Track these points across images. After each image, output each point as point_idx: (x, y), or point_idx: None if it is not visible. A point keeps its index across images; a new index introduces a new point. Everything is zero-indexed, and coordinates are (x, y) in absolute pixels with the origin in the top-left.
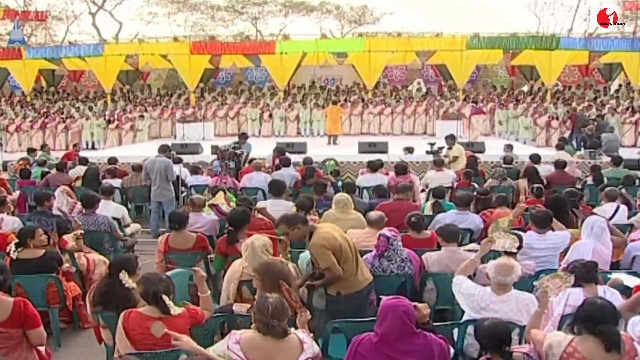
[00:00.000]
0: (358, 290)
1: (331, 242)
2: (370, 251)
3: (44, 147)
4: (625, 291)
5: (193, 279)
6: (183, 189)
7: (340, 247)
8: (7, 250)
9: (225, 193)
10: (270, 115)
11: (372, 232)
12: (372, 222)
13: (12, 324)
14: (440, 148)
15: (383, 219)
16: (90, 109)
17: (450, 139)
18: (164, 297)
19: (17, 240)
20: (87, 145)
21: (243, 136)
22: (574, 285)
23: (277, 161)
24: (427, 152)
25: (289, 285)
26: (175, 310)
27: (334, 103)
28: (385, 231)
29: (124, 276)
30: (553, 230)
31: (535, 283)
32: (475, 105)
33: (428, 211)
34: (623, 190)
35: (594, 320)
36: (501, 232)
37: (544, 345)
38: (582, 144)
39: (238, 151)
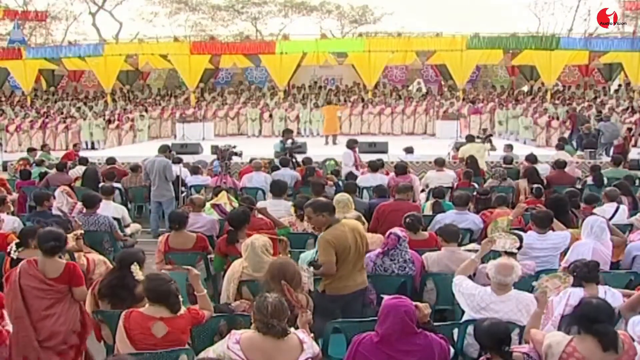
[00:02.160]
0: (342, 294)
1: (339, 242)
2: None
3: (44, 147)
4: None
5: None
6: (183, 189)
7: (345, 250)
8: (8, 250)
9: (227, 192)
10: (270, 115)
11: None
12: None
13: (62, 280)
14: (490, 135)
15: (360, 218)
16: (90, 109)
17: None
18: (178, 295)
19: (18, 240)
20: (87, 145)
21: (288, 132)
22: (575, 285)
23: (356, 155)
24: (478, 137)
25: (293, 287)
26: (182, 309)
27: (329, 103)
28: (397, 231)
29: (135, 268)
30: (553, 230)
31: (534, 283)
32: (472, 106)
33: (428, 211)
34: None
35: (590, 320)
36: (501, 233)
37: (544, 345)
38: (578, 142)
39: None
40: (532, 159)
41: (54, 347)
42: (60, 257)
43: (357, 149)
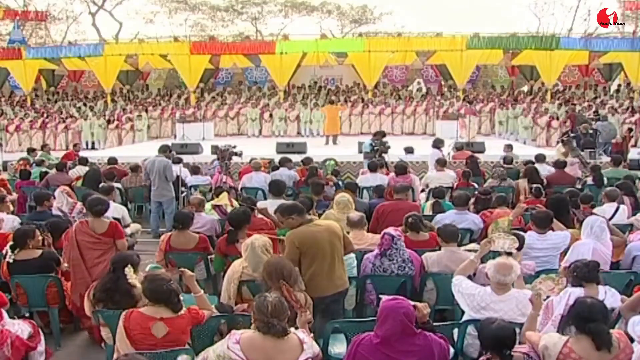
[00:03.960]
0: (320, 296)
1: (304, 241)
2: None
3: (44, 147)
4: (625, 290)
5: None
6: (183, 189)
7: (312, 248)
8: (4, 253)
9: (228, 194)
10: (270, 115)
11: (358, 234)
12: (354, 224)
13: (107, 234)
14: (573, 137)
15: (363, 219)
16: (91, 109)
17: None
18: (179, 295)
19: (12, 243)
20: (87, 145)
21: (380, 133)
22: (575, 285)
23: (443, 154)
24: (561, 141)
25: (290, 284)
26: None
27: (332, 103)
28: (391, 230)
29: (129, 271)
30: (553, 230)
31: (527, 286)
32: (469, 106)
33: (428, 211)
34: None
35: (584, 319)
36: (500, 233)
37: (539, 346)
38: (576, 142)
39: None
40: (540, 158)
41: None
42: (106, 218)
43: (443, 149)
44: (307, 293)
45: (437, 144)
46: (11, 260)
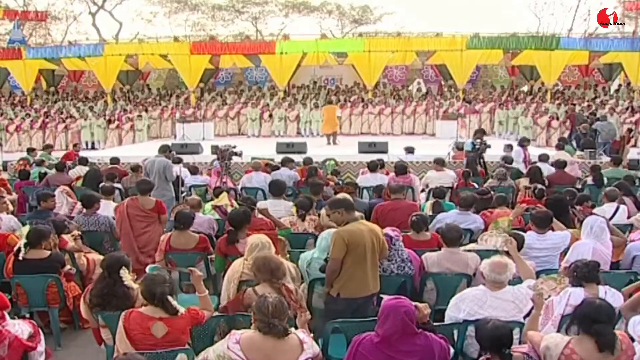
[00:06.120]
0: (355, 298)
1: (353, 239)
2: None
3: (46, 147)
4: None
5: (190, 279)
6: (183, 189)
7: (359, 248)
8: (15, 251)
9: (228, 194)
10: (270, 115)
11: None
12: None
13: (154, 210)
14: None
15: (362, 219)
16: (91, 109)
17: None
18: (170, 298)
19: (25, 241)
20: (87, 145)
21: (480, 132)
22: (575, 285)
23: (526, 152)
24: None
25: (279, 278)
26: (180, 309)
27: (330, 102)
28: (389, 231)
29: (124, 273)
30: (553, 230)
31: (529, 285)
32: (468, 106)
33: (428, 211)
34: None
35: (591, 320)
36: (493, 231)
37: (541, 346)
38: (576, 142)
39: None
40: (544, 158)
41: (147, 252)
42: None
43: (527, 147)
44: (343, 293)
45: (522, 142)
46: (21, 258)
